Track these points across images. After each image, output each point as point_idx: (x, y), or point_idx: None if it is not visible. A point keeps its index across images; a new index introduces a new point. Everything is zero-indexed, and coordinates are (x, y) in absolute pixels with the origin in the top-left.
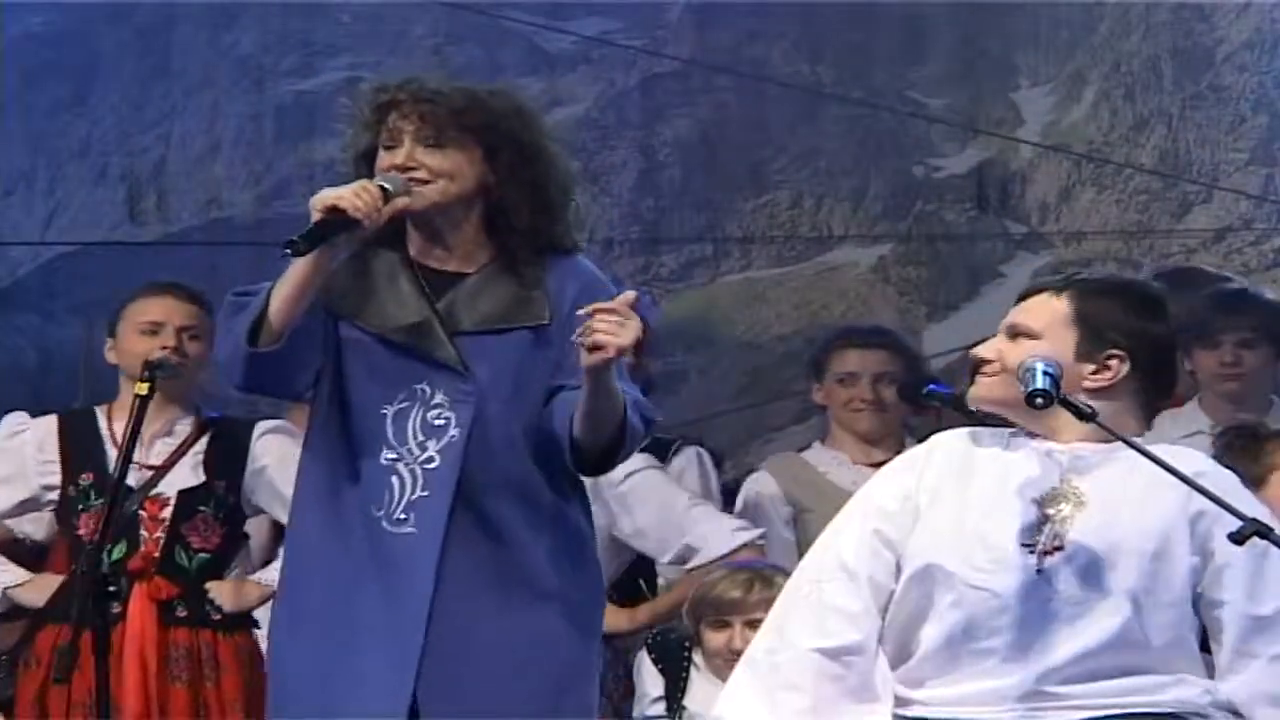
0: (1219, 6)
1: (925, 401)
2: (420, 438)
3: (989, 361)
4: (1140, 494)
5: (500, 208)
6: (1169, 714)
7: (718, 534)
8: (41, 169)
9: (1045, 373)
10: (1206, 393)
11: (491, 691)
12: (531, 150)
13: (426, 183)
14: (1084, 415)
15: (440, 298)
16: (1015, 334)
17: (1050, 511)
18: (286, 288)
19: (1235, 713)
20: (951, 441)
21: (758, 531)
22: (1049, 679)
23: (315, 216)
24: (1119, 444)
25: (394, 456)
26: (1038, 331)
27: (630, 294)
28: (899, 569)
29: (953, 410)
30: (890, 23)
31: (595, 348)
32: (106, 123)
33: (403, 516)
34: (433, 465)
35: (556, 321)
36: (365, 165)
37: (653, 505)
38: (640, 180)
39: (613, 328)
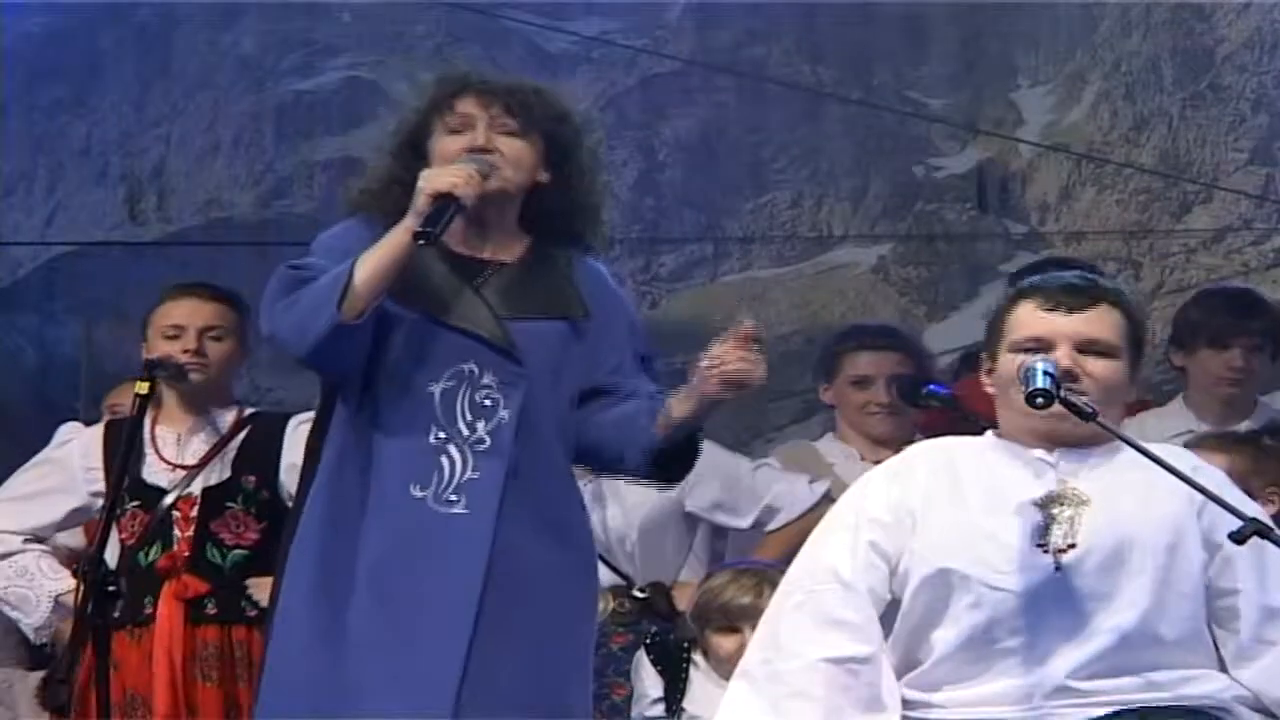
0: (1219, 6)
1: (923, 402)
2: (469, 418)
3: (1076, 379)
4: (1143, 490)
5: (543, 203)
6: (1193, 709)
7: (796, 491)
8: (41, 169)
9: (1045, 373)
10: (1197, 393)
11: (533, 678)
12: (584, 153)
13: (498, 168)
14: (1085, 415)
15: (480, 283)
16: (1093, 350)
17: (1054, 512)
18: (378, 262)
19: (1257, 706)
20: (931, 451)
21: (828, 484)
22: (1071, 675)
23: (423, 200)
24: (1108, 444)
25: (444, 436)
26: (1118, 350)
27: (749, 326)
28: (893, 578)
29: (950, 410)
30: (890, 23)
31: (736, 383)
32: (107, 123)
33: (453, 498)
34: (483, 447)
35: (594, 321)
36: (410, 150)
37: (720, 474)
38: (640, 180)
39: (748, 363)
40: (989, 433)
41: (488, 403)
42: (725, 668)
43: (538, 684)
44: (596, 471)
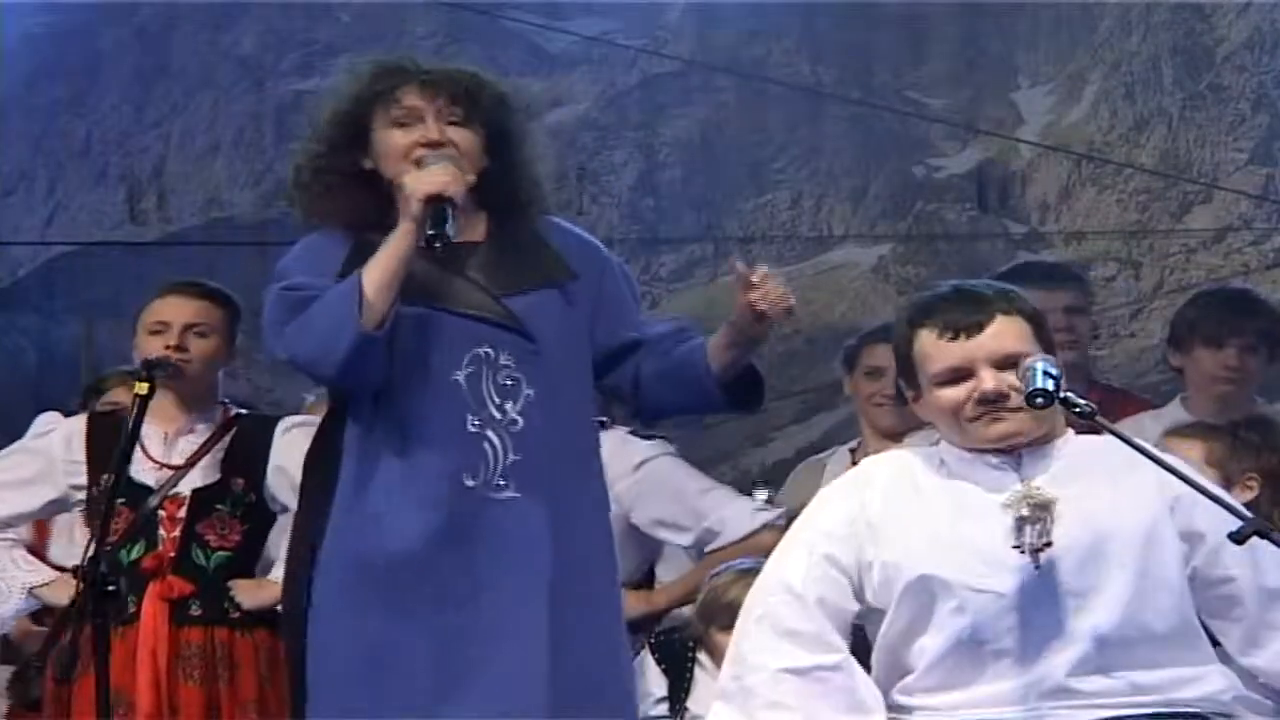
0: (1219, 6)
1: None
2: (497, 400)
3: (1007, 397)
4: (1109, 484)
5: (496, 183)
6: (1194, 714)
7: (738, 516)
8: (41, 169)
9: (1045, 373)
10: (1194, 393)
11: (606, 654)
12: (522, 132)
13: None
14: (1085, 415)
15: (463, 266)
16: (1012, 365)
17: (1024, 513)
18: (385, 270)
19: (1267, 695)
20: (888, 461)
21: (777, 512)
22: (1064, 674)
23: (416, 206)
24: (1060, 442)
25: (479, 423)
26: (1031, 355)
27: (759, 268)
28: (863, 589)
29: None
30: (890, 23)
31: (785, 309)
32: (106, 123)
33: (501, 482)
34: (517, 428)
35: (583, 280)
36: (349, 140)
37: (668, 491)
38: (640, 180)
39: (781, 288)
40: (942, 442)
41: (509, 383)
42: None
43: (610, 660)
44: (674, 418)
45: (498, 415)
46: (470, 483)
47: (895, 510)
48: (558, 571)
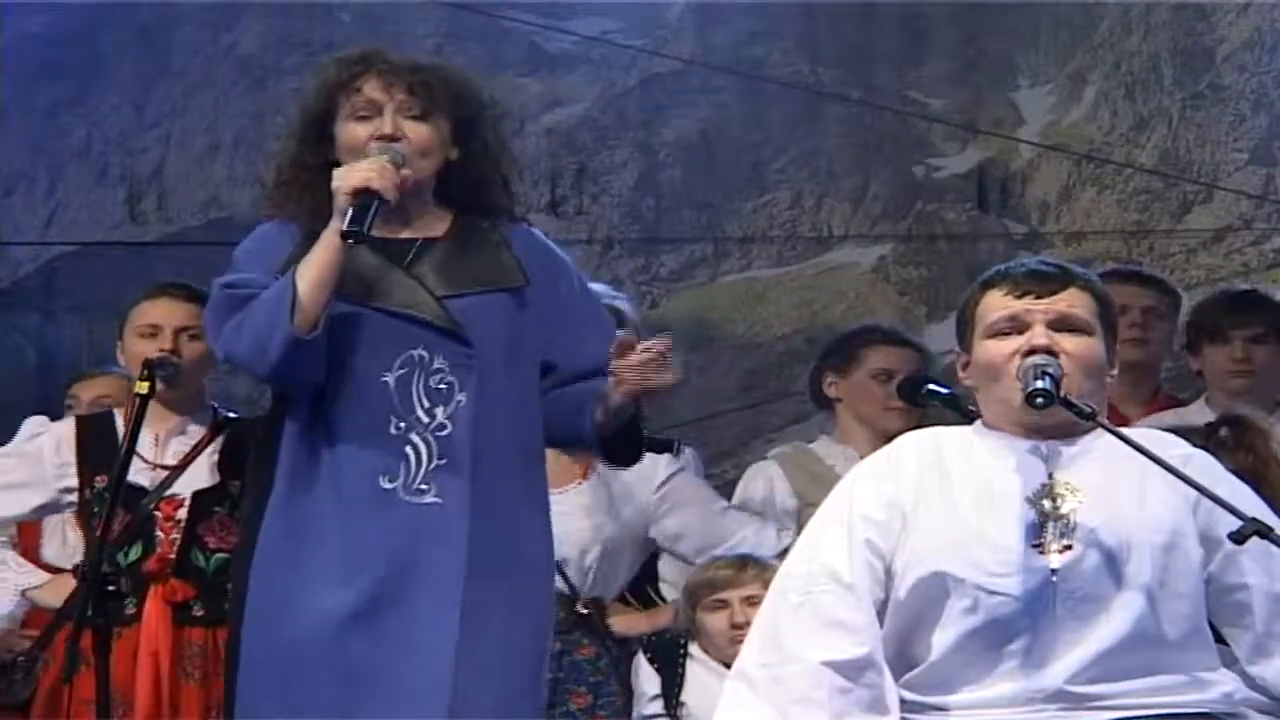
0: (1219, 6)
1: (924, 401)
2: (427, 404)
3: (1055, 354)
4: (1136, 482)
5: (462, 178)
6: (1203, 714)
7: (761, 539)
8: (41, 169)
9: (1045, 372)
10: (1214, 392)
11: (510, 668)
12: (490, 124)
13: (409, 156)
14: (1086, 415)
15: (410, 263)
16: (1068, 328)
17: (1047, 509)
18: (317, 270)
19: (1270, 706)
20: (920, 444)
21: (793, 535)
22: (1074, 679)
23: (343, 199)
24: (1090, 434)
25: (404, 425)
26: (1092, 327)
27: (662, 343)
28: (888, 577)
29: (951, 410)
30: (890, 23)
31: (641, 393)
32: (106, 123)
33: (423, 487)
34: (445, 433)
35: (535, 287)
36: (317, 134)
37: (691, 508)
38: (640, 180)
39: (647, 376)
40: (976, 422)
41: (443, 387)
42: (719, 643)
43: (513, 676)
44: (555, 447)
45: (425, 419)
46: (387, 485)
47: (924, 497)
48: (474, 578)
